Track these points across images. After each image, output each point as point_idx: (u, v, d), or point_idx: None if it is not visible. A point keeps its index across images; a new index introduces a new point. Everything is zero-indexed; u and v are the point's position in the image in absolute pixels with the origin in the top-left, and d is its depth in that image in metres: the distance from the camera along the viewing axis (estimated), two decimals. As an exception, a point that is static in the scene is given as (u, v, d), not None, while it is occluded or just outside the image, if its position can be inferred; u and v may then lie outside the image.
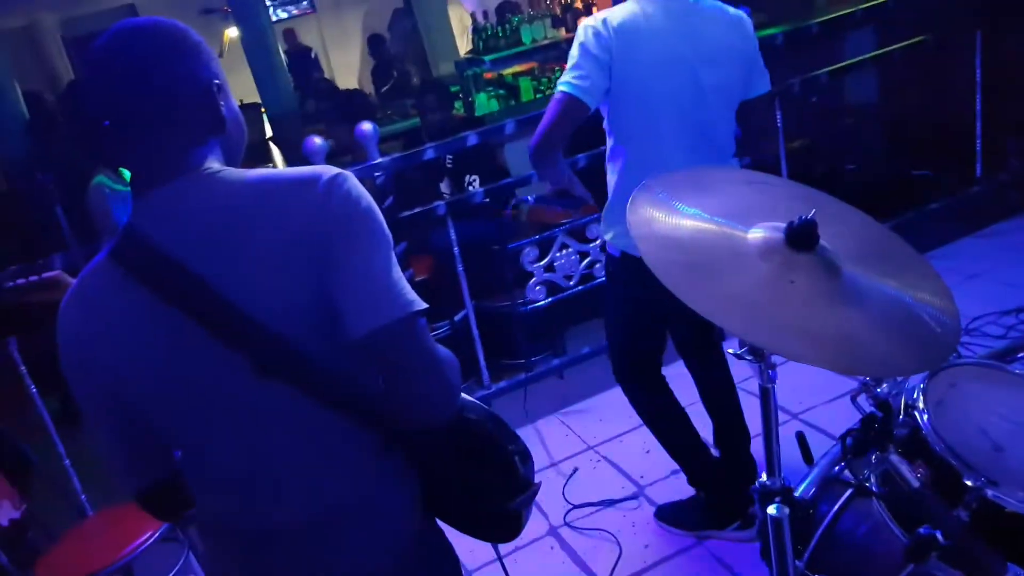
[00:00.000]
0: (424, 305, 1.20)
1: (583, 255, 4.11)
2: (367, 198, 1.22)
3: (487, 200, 4.03)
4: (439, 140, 4.00)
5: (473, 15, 7.83)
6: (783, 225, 1.27)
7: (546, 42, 7.35)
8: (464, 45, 9.66)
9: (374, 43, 10.04)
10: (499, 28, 7.23)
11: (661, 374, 2.84)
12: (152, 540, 2.62)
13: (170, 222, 1.18)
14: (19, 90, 6.77)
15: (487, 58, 7.06)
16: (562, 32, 7.41)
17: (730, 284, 1.19)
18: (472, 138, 3.84)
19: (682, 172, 1.46)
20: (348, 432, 1.26)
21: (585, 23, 2.37)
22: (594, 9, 7.94)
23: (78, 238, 3.94)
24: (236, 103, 1.34)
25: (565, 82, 2.33)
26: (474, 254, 3.97)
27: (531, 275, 4.05)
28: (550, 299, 4.11)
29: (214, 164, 1.23)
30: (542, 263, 4.04)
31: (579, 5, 7.93)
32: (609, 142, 2.52)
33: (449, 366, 1.25)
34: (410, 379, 1.21)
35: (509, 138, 4.90)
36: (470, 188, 4.50)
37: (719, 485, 2.86)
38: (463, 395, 1.35)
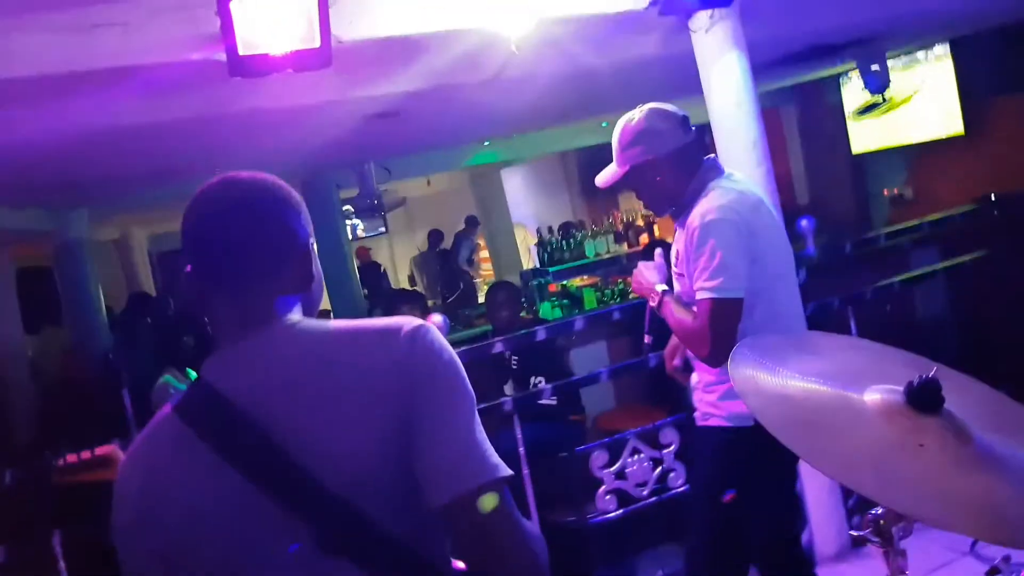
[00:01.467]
0: (510, 472, 1.11)
1: (656, 462, 3.94)
2: (450, 351, 1.16)
3: (554, 402, 3.95)
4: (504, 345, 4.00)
5: (539, 229, 8.14)
6: (899, 388, 1.19)
7: (608, 256, 7.56)
8: (527, 263, 10.00)
9: (442, 256, 10.46)
10: (563, 242, 7.48)
11: None
12: None
13: (244, 374, 1.14)
14: (102, 296, 7.12)
15: (552, 269, 7.25)
16: (624, 247, 7.64)
17: (854, 445, 1.09)
18: (541, 333, 3.84)
19: (774, 336, 1.40)
20: None
21: (709, 219, 2.26)
22: (656, 228, 8.21)
23: (140, 428, 3.93)
24: (319, 268, 1.29)
25: (717, 288, 2.21)
26: (540, 460, 3.84)
27: (600, 484, 3.87)
28: (621, 511, 3.90)
29: (294, 317, 1.20)
30: (612, 469, 3.87)
31: (640, 223, 8.20)
32: None
33: (538, 543, 1.15)
34: (497, 555, 1.10)
35: (576, 340, 4.90)
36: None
37: None
38: None
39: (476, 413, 1.14)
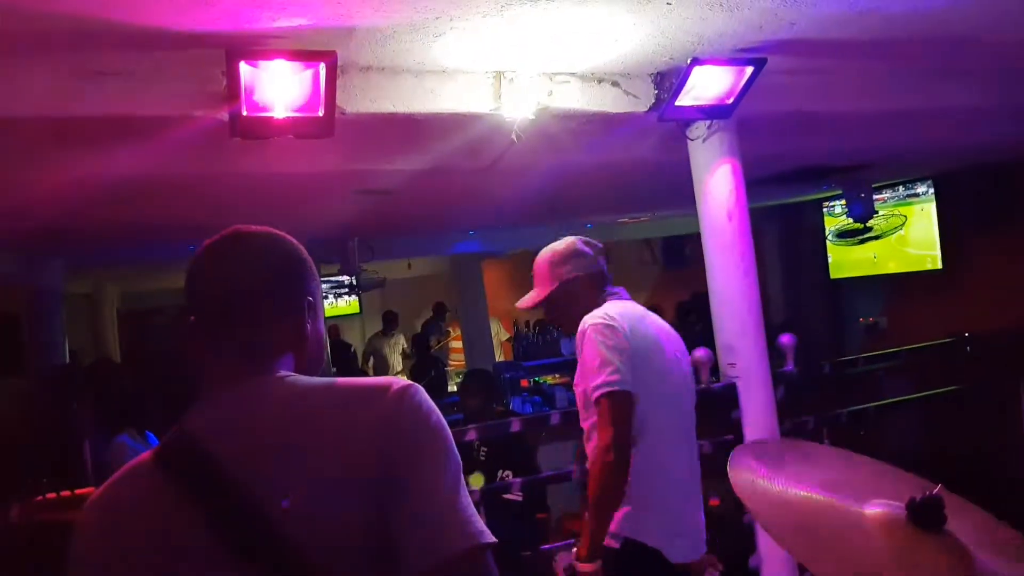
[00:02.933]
0: (493, 539, 1.07)
1: (619, 567, 3.82)
2: (438, 413, 1.14)
3: (520, 498, 3.84)
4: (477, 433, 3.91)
5: (516, 322, 8.12)
6: (900, 504, 1.15)
7: (584, 356, 7.53)
8: (499, 356, 9.95)
9: (416, 341, 10.39)
10: (539, 337, 7.47)
11: None
12: None
13: (226, 425, 1.11)
14: (67, 347, 6.96)
15: (525, 364, 7.21)
16: (600, 349, 7.61)
17: (855, 556, 1.04)
18: (515, 424, 3.76)
19: (772, 441, 1.36)
20: None
21: (591, 324, 2.40)
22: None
23: (97, 478, 3.79)
24: (323, 327, 1.30)
25: (607, 383, 2.30)
26: (502, 557, 3.71)
27: (561, 585, 3.74)
28: (581, 616, 3.75)
29: (283, 372, 1.18)
30: (574, 571, 3.74)
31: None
32: None
33: None
34: None
35: (546, 437, 4.81)
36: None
37: None
38: None
39: (462, 478, 1.10)
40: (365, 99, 2.94)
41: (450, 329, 10.95)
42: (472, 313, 10.05)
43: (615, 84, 3.30)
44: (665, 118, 3.33)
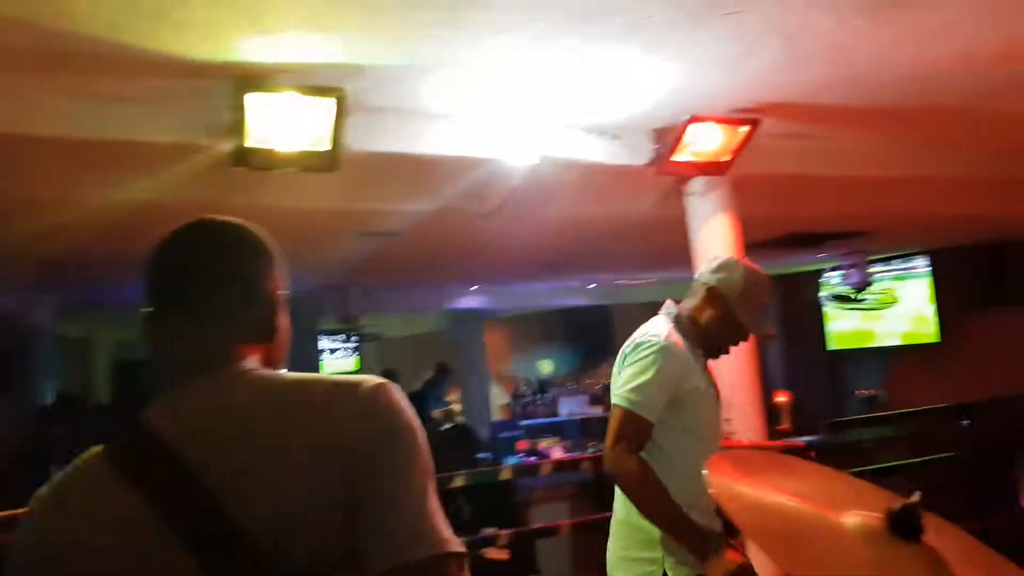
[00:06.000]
0: (462, 548, 1.02)
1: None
2: (411, 413, 1.08)
3: (506, 556, 3.76)
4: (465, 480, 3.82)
5: (515, 381, 8.08)
6: (876, 514, 1.14)
7: (581, 417, 7.49)
8: (497, 415, 9.85)
9: (412, 400, 10.26)
10: (537, 396, 7.44)
11: None
12: None
13: (187, 417, 1.06)
14: (57, 387, 6.95)
15: (522, 423, 7.15)
16: (599, 410, 7.58)
17: (833, 563, 1.03)
18: (506, 471, 3.72)
19: (751, 450, 1.36)
20: None
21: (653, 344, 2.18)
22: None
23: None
24: (287, 321, 1.22)
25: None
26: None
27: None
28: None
29: (249, 364, 1.12)
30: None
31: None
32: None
33: None
34: None
35: (537, 498, 4.71)
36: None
37: None
38: None
39: (432, 482, 1.05)
40: (372, 137, 2.98)
41: (450, 395, 10.77)
42: (471, 372, 9.94)
43: (616, 137, 3.36)
44: (662, 172, 3.38)
